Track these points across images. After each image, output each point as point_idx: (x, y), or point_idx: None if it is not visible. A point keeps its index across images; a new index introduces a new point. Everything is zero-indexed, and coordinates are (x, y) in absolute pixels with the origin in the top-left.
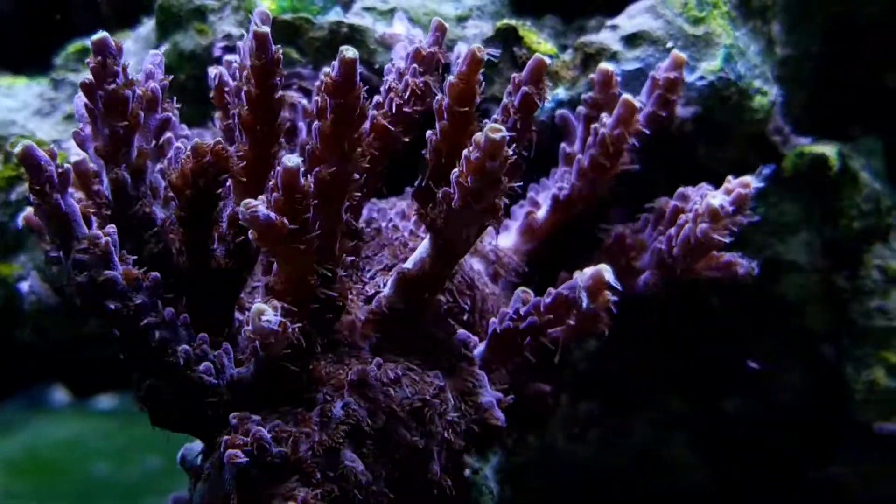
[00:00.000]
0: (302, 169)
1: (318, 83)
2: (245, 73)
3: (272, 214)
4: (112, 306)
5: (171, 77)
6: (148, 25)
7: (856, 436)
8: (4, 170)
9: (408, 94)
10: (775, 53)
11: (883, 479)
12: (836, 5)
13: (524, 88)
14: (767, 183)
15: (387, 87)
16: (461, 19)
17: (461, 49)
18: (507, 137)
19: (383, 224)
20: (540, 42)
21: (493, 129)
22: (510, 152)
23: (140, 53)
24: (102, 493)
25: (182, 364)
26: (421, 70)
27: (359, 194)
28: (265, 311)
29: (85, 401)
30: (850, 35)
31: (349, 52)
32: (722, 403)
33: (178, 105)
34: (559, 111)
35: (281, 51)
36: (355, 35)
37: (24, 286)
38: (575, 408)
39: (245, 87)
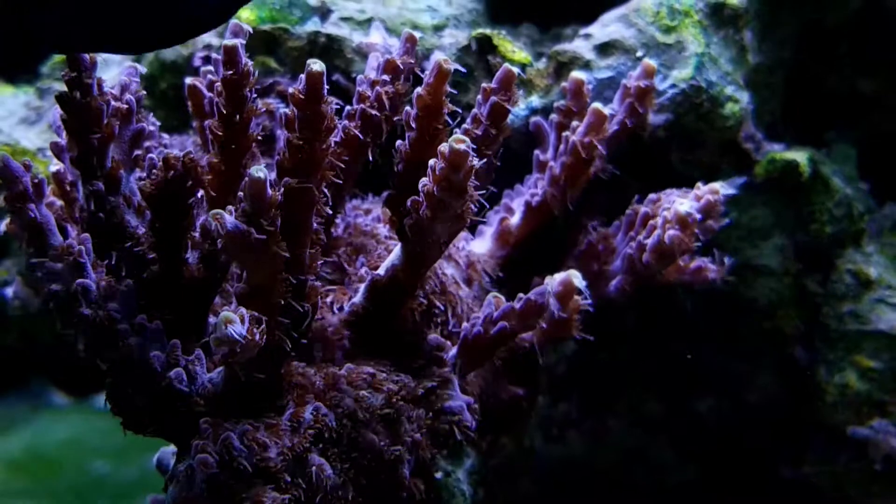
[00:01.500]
0: (270, 180)
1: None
2: (217, 85)
3: (239, 224)
4: (85, 313)
5: (152, 87)
6: None
7: (826, 437)
8: None
9: (378, 103)
10: (748, 61)
11: (851, 481)
12: (807, 12)
13: (493, 98)
14: (739, 191)
15: (358, 96)
16: (438, 28)
17: (438, 58)
18: (472, 148)
19: (360, 229)
20: (514, 51)
21: (457, 139)
22: (475, 162)
23: (125, 62)
24: (101, 492)
25: (154, 370)
26: (391, 80)
27: (329, 205)
28: (233, 321)
29: (86, 400)
30: (821, 41)
31: (316, 65)
32: (696, 405)
33: (160, 112)
34: (533, 119)
35: (251, 64)
36: (333, 45)
37: (9, 291)
38: (553, 409)
39: (216, 99)
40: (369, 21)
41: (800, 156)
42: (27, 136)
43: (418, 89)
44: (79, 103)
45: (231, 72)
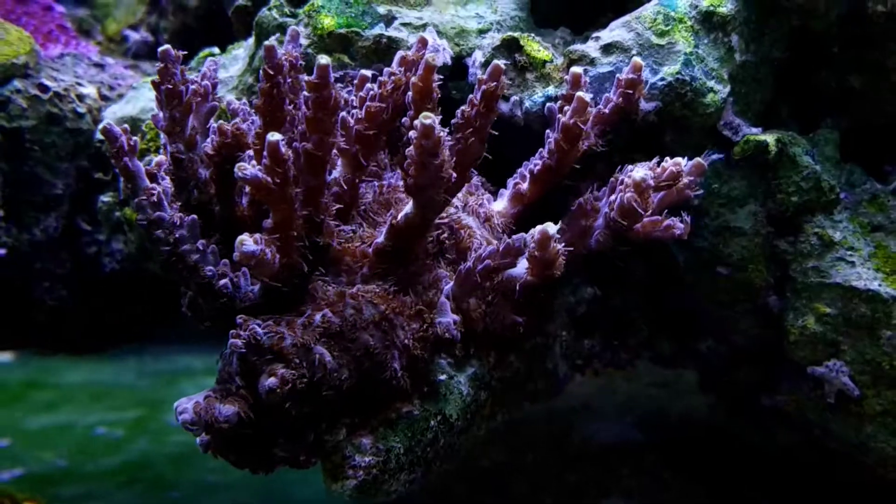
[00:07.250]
0: (283, 141)
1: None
2: (259, 74)
3: (259, 173)
4: (159, 236)
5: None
6: (252, 38)
7: (792, 372)
8: (140, 143)
9: (392, 88)
10: (734, 59)
11: (811, 409)
12: (792, 20)
13: (483, 86)
14: (710, 163)
15: (378, 83)
16: (481, 32)
17: (476, 55)
18: (436, 122)
19: (396, 187)
20: (539, 50)
21: (424, 116)
22: (443, 133)
23: (244, 58)
24: None
25: (209, 280)
26: (405, 71)
27: (336, 172)
28: (245, 241)
29: None
30: (811, 42)
31: (323, 59)
32: (698, 345)
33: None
34: (548, 105)
35: (286, 58)
36: (392, 45)
37: None
38: (579, 343)
39: (259, 84)
40: (425, 26)
41: (770, 138)
42: None
43: (413, 78)
44: (165, 87)
45: (269, 63)
